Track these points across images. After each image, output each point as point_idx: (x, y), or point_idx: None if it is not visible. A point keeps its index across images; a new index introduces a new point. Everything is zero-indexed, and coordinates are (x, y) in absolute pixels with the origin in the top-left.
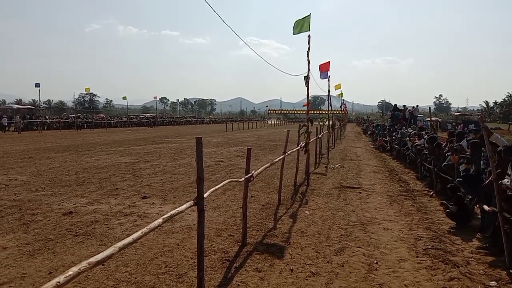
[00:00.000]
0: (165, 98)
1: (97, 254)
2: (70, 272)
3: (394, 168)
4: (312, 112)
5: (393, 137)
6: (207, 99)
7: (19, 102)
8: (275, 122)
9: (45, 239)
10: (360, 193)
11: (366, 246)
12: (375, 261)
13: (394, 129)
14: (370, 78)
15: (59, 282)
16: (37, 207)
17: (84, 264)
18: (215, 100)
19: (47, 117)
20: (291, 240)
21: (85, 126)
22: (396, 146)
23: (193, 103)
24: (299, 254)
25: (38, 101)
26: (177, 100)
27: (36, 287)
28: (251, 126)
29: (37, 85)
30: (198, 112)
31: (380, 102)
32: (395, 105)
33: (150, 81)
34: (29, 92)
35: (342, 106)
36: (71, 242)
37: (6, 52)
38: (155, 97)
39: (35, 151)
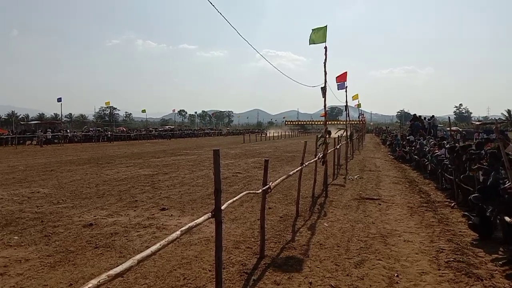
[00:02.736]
0: (183, 110)
1: (117, 266)
2: (90, 285)
3: (414, 179)
4: (329, 122)
5: (413, 148)
6: (224, 111)
7: (41, 116)
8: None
9: (66, 251)
10: (380, 204)
11: (387, 259)
12: (395, 274)
13: (414, 139)
14: (388, 88)
15: None
16: (58, 219)
17: (103, 276)
18: (232, 112)
19: (68, 130)
20: (310, 252)
21: (105, 139)
22: (416, 157)
23: (210, 115)
24: (318, 267)
25: (60, 115)
26: (195, 112)
27: None
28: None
29: (59, 100)
30: (215, 124)
31: (399, 112)
32: (414, 114)
33: (168, 94)
34: (51, 106)
35: (360, 116)
36: (91, 254)
37: (29, 67)
38: (173, 110)
39: (56, 164)
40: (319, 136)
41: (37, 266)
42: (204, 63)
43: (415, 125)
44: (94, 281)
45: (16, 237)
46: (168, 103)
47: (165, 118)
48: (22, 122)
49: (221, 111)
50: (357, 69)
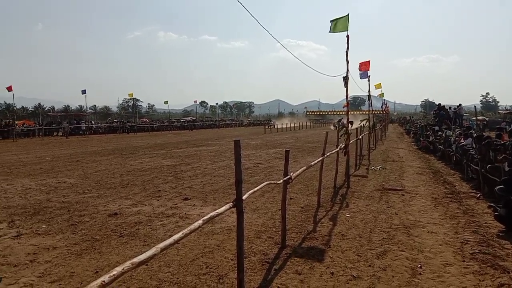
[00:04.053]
0: (204, 101)
1: (140, 254)
2: (114, 272)
3: (438, 169)
4: (352, 112)
5: (438, 138)
6: (245, 102)
7: (67, 108)
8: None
9: (91, 239)
10: (403, 195)
11: (410, 250)
12: (419, 265)
13: (439, 129)
14: (412, 77)
15: (103, 281)
16: (84, 209)
17: (127, 264)
18: (253, 103)
19: (93, 122)
20: (331, 243)
21: (129, 130)
22: (441, 147)
23: (231, 106)
24: (340, 257)
25: (85, 106)
26: (216, 103)
27: (83, 285)
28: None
29: (84, 92)
30: (236, 115)
31: (423, 101)
32: (439, 104)
33: (190, 85)
34: (76, 98)
35: (383, 106)
36: (116, 242)
37: (54, 60)
38: (195, 101)
39: (82, 155)
40: (336, 124)
41: (65, 254)
42: (225, 54)
43: (440, 115)
44: (118, 269)
45: (44, 226)
46: (190, 94)
47: (187, 109)
48: (48, 114)
49: (242, 102)
50: (380, 58)
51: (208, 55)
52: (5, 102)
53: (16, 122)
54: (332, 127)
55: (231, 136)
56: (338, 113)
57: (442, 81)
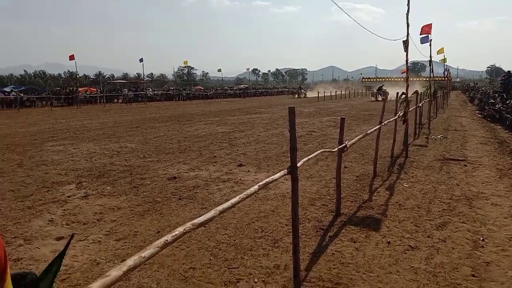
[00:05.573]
0: (256, 69)
1: (200, 216)
2: (176, 232)
3: (505, 139)
4: (411, 79)
5: (505, 106)
6: (298, 69)
7: (125, 76)
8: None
9: (153, 201)
10: (465, 165)
11: (472, 222)
12: (481, 238)
13: (507, 96)
14: (477, 41)
15: (167, 240)
16: (145, 172)
17: (188, 225)
18: (306, 70)
19: (150, 89)
20: (388, 212)
21: (184, 98)
22: (508, 116)
23: (284, 73)
24: (397, 227)
25: (142, 74)
26: (269, 70)
27: (146, 244)
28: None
29: (141, 60)
30: (289, 82)
31: (489, 67)
32: (509, 71)
33: (242, 52)
34: (133, 66)
35: (446, 72)
36: (176, 204)
37: (112, 29)
38: (247, 69)
39: (141, 121)
40: (376, 93)
41: (128, 214)
42: (278, 20)
43: (509, 81)
44: (180, 229)
45: (108, 188)
46: (243, 62)
47: (239, 77)
48: (108, 82)
49: (294, 69)
50: (442, 20)
51: (261, 21)
52: (68, 70)
53: (79, 89)
54: (372, 98)
55: (284, 104)
56: (396, 79)
57: (511, 45)
